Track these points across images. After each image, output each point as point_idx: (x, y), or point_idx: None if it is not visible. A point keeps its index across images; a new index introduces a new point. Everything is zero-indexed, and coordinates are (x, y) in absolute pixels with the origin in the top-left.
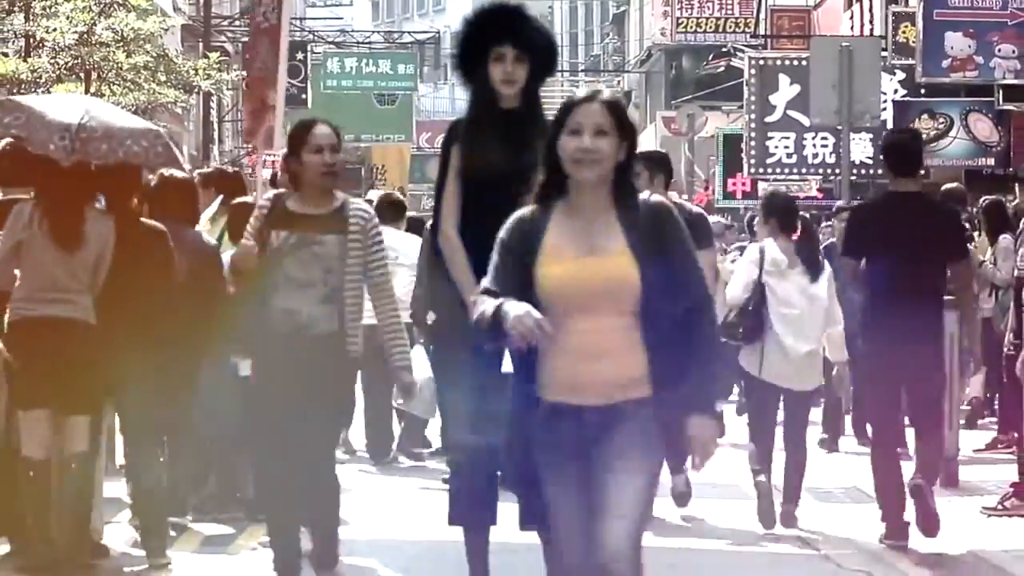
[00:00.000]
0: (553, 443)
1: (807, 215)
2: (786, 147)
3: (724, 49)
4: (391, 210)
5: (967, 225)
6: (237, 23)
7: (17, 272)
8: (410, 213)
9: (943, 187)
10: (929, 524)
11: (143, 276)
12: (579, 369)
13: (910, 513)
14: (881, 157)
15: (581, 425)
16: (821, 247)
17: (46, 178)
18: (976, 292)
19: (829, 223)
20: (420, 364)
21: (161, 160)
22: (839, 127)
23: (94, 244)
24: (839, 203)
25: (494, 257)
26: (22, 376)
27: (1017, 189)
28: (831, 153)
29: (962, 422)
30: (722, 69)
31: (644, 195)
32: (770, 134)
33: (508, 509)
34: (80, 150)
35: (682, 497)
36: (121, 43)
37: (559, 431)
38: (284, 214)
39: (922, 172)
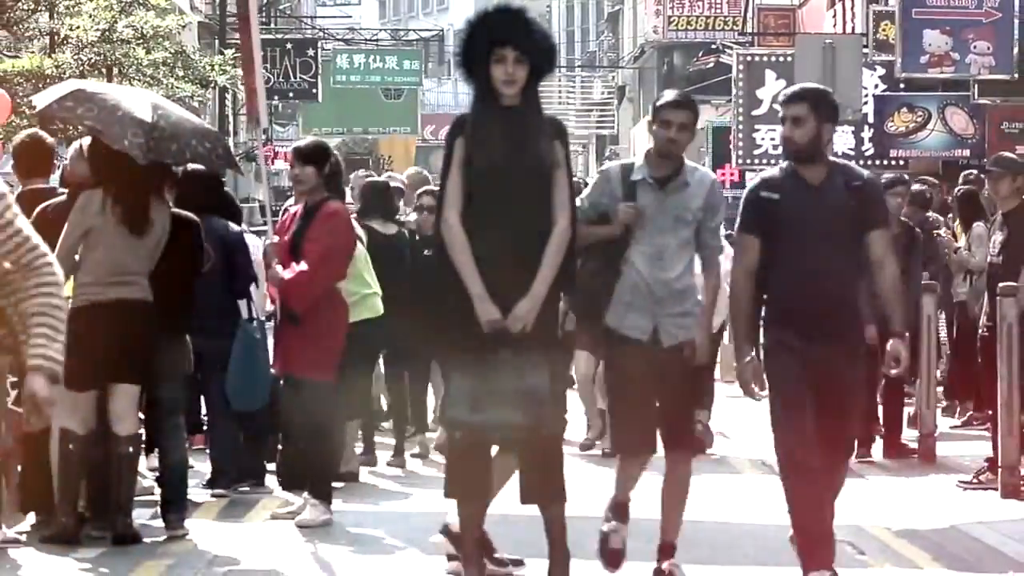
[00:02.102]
0: None
1: None
2: (772, 139)
3: (713, 46)
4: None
5: (937, 216)
6: None
7: (76, 258)
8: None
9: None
10: None
11: (175, 262)
12: None
13: None
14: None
15: None
16: None
17: (115, 168)
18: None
19: None
20: None
21: (222, 163)
22: None
23: (157, 229)
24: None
25: None
26: (82, 359)
27: (986, 180)
28: None
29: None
30: (711, 65)
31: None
32: (757, 126)
33: (508, 484)
34: (154, 149)
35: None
36: (141, 40)
37: None
38: None
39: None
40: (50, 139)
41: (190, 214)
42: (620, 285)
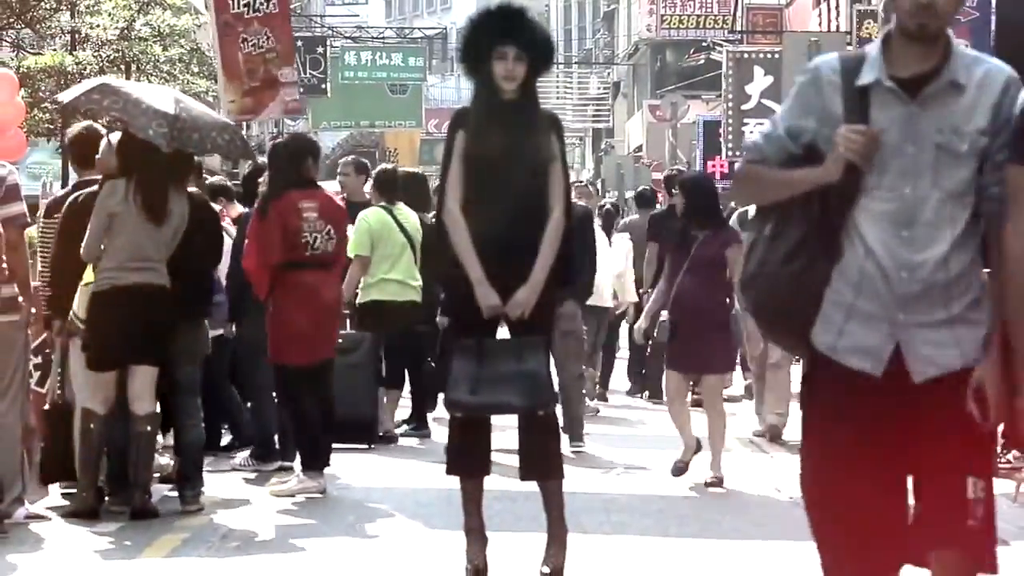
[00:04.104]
0: None
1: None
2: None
3: (704, 43)
4: None
5: None
6: None
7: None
8: None
9: None
10: None
11: (196, 249)
12: None
13: None
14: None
15: None
16: None
17: (138, 158)
18: None
19: None
20: None
21: (239, 152)
22: None
23: (176, 218)
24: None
25: None
26: (102, 341)
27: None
28: None
29: None
30: (702, 61)
31: None
32: (746, 120)
33: (510, 461)
34: (177, 139)
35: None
36: (158, 38)
37: None
38: None
39: None
40: (104, 130)
41: (212, 204)
42: (837, 274)
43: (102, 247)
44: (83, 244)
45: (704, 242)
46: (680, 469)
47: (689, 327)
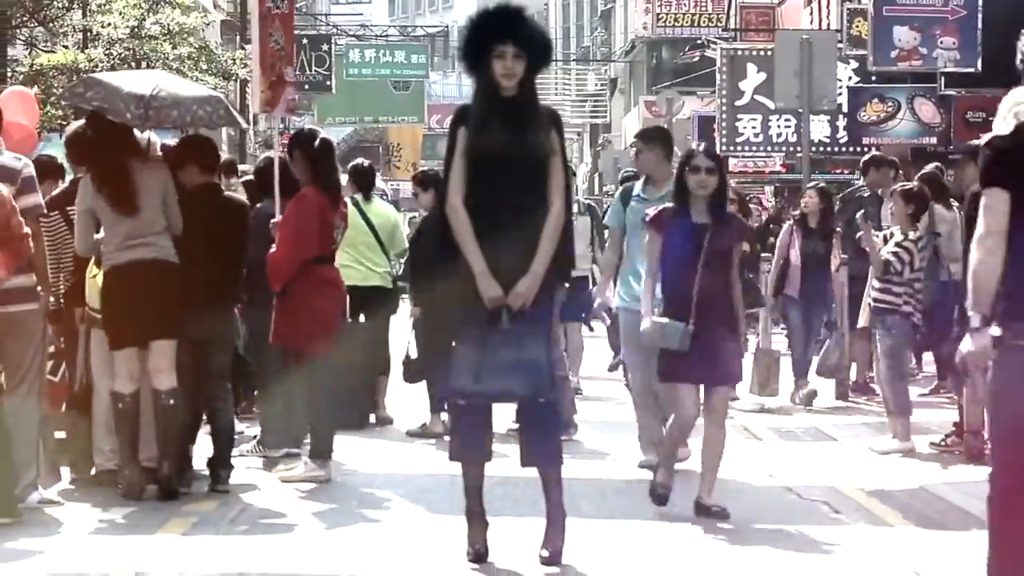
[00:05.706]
0: None
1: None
2: (753, 127)
3: (699, 41)
4: None
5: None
6: None
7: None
8: None
9: (922, 172)
10: None
11: (224, 241)
12: None
13: None
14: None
15: None
16: None
17: (96, 154)
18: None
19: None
20: None
21: (223, 121)
22: (800, 110)
23: (153, 194)
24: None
25: None
26: (115, 320)
27: (959, 168)
28: (793, 132)
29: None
30: (697, 59)
31: None
32: (739, 116)
33: (510, 448)
34: (154, 118)
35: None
36: (167, 36)
37: None
38: None
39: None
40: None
41: (241, 198)
42: None
43: (94, 238)
44: (75, 242)
45: (716, 233)
46: (665, 496)
47: (703, 331)
